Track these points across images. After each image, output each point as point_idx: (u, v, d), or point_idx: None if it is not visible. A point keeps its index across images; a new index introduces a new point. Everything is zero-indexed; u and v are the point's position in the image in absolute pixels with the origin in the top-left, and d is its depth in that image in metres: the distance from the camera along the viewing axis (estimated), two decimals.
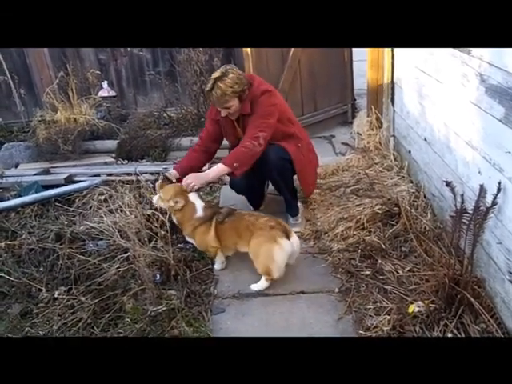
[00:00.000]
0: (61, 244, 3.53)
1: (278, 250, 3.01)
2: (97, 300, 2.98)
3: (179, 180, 3.44)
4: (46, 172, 5.02)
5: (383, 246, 3.32)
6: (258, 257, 3.06)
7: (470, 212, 2.65)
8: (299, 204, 3.89)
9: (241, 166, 3.34)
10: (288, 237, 3.05)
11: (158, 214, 3.27)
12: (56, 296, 3.10)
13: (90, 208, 4.04)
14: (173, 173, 3.52)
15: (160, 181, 3.49)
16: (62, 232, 3.71)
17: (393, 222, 3.56)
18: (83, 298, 3.00)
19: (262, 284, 3.10)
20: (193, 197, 3.30)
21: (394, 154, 4.56)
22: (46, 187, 4.56)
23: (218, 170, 3.36)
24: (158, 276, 3.15)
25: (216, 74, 3.29)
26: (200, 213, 3.28)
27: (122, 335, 2.75)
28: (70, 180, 4.74)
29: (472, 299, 2.65)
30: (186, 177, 3.34)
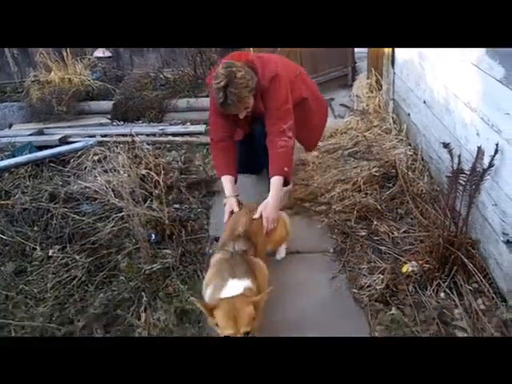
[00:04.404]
0: (55, 204, 3.51)
1: (284, 218, 3.06)
2: (91, 258, 2.99)
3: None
4: (40, 133, 4.97)
5: (379, 208, 3.31)
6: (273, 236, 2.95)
7: (467, 173, 2.63)
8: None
9: (289, 167, 3.10)
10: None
11: (153, 173, 3.24)
12: (50, 254, 3.11)
13: (85, 168, 4.01)
14: (233, 201, 3.03)
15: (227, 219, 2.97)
16: (56, 192, 3.69)
17: (389, 185, 3.55)
18: (77, 257, 3.01)
19: (283, 250, 3.09)
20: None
21: (392, 117, 4.50)
22: (40, 148, 4.52)
23: (277, 188, 2.99)
24: (153, 236, 3.15)
25: (222, 83, 2.82)
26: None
27: (116, 293, 2.76)
28: (64, 141, 4.69)
29: (465, 260, 2.66)
30: (264, 220, 2.84)
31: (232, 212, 2.98)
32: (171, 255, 2.99)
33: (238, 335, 2.12)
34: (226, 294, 2.28)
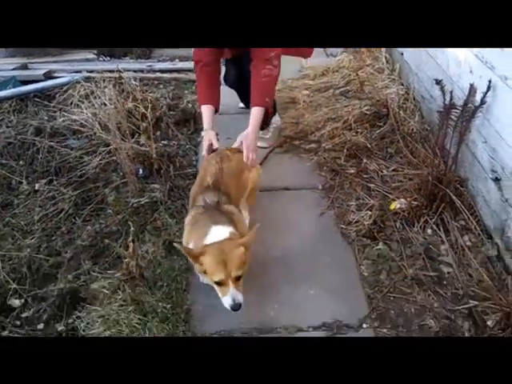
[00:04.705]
0: (41, 138, 3.45)
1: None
2: (78, 192, 2.96)
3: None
4: (24, 67, 4.81)
5: (369, 146, 3.29)
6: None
7: (459, 108, 2.61)
8: (276, 119, 3.63)
9: (270, 98, 2.98)
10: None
11: (140, 107, 3.17)
12: (37, 188, 3.08)
13: (71, 104, 3.92)
14: (212, 134, 2.88)
15: (206, 153, 2.83)
16: (41, 126, 3.61)
17: (380, 124, 3.51)
18: (64, 190, 2.97)
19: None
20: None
21: (385, 57, 4.41)
22: (25, 83, 4.38)
23: (257, 118, 2.88)
24: (141, 170, 3.12)
25: None
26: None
27: (103, 225, 2.76)
28: (49, 76, 4.54)
29: (454, 197, 2.68)
30: (245, 149, 2.74)
31: (211, 146, 2.83)
32: (159, 190, 2.97)
33: (230, 281, 2.04)
34: (211, 239, 2.16)
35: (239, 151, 2.75)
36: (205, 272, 2.11)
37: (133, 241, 2.34)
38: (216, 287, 2.12)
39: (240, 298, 2.06)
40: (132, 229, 2.31)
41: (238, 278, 2.07)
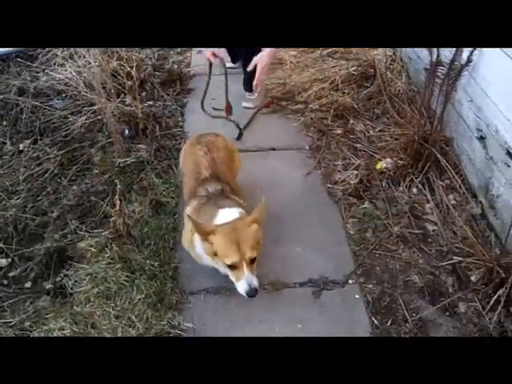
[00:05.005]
0: (24, 98, 3.38)
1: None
2: (63, 151, 2.92)
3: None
4: None
5: (356, 107, 3.29)
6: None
7: (445, 66, 2.60)
8: None
9: None
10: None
11: (125, 65, 3.11)
12: (21, 148, 3.04)
13: (54, 64, 3.83)
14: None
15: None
16: (25, 87, 3.53)
17: (367, 84, 3.50)
18: (49, 150, 2.94)
19: None
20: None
21: None
22: None
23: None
24: (127, 131, 3.08)
25: None
26: None
27: (89, 185, 2.74)
28: None
29: (439, 156, 2.69)
30: (258, 71, 2.87)
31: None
32: (145, 150, 2.95)
33: (244, 263, 1.86)
34: (221, 221, 1.97)
35: (217, 135, 2.55)
36: (215, 254, 1.91)
37: (119, 199, 2.33)
38: (228, 271, 1.94)
39: (256, 282, 1.89)
40: (118, 186, 2.29)
41: (252, 261, 1.88)
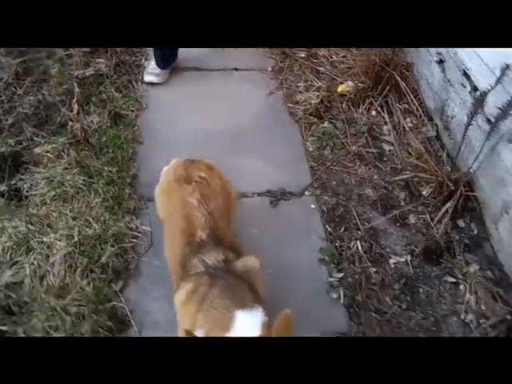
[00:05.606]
0: None
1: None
2: (19, 60, 2.81)
3: None
4: None
5: None
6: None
7: None
8: None
9: None
10: None
11: None
12: None
13: None
14: None
15: None
16: None
17: None
18: (3, 59, 2.82)
19: None
20: None
21: None
22: None
23: None
24: None
25: None
26: None
27: (47, 95, 2.65)
28: None
29: (399, 79, 2.73)
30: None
31: None
32: (105, 64, 2.87)
33: None
34: (239, 333, 1.35)
35: (210, 167, 1.90)
36: None
37: (78, 105, 2.28)
38: None
39: None
40: (76, 91, 2.24)
41: None
